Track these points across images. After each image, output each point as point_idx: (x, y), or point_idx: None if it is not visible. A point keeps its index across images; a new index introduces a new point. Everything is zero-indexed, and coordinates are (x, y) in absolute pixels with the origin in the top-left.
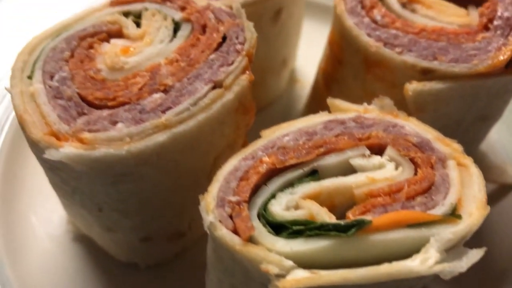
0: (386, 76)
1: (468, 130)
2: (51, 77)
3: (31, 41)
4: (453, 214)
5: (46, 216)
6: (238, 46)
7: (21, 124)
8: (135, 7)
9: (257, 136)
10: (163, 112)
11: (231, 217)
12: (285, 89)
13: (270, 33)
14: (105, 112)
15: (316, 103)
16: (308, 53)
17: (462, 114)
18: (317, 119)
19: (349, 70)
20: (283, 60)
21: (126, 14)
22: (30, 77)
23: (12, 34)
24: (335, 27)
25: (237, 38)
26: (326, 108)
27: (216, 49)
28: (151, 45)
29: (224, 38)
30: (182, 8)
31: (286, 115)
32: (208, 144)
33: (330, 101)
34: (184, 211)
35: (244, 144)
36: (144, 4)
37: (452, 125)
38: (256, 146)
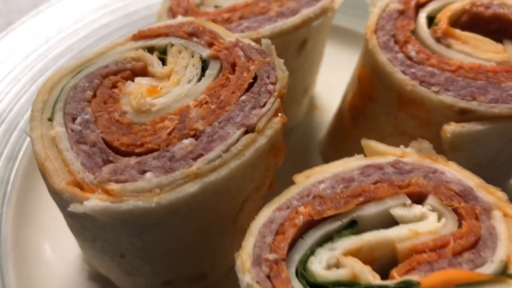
0: (421, 115)
1: (501, 167)
2: (73, 120)
3: (50, 78)
4: (504, 273)
5: (61, 252)
6: (270, 87)
7: (43, 172)
8: (159, 42)
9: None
10: (194, 159)
11: (269, 277)
12: (304, 116)
13: (294, 64)
14: (132, 160)
15: (341, 136)
16: (327, 78)
17: (497, 152)
18: (352, 164)
19: (380, 106)
20: (305, 88)
21: (150, 49)
22: (50, 119)
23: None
24: (365, 62)
25: (268, 77)
26: (352, 142)
27: (247, 90)
28: (178, 85)
29: (254, 78)
30: (210, 44)
31: (306, 144)
32: (237, 189)
33: (365, 142)
34: (208, 254)
35: (271, 185)
36: (169, 39)
37: (486, 163)
38: (290, 194)
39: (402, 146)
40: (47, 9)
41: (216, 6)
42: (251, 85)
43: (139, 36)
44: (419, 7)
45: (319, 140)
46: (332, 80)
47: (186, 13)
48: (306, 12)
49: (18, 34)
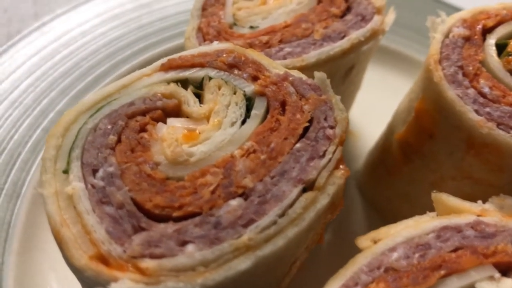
0: (494, 159)
1: None
2: (94, 173)
3: (64, 117)
4: None
5: None
6: (329, 131)
7: (58, 242)
8: (194, 74)
9: None
10: (244, 226)
11: None
12: None
13: (337, 91)
14: (169, 227)
15: (387, 171)
16: (362, 100)
17: None
18: (426, 225)
19: (443, 145)
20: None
21: (183, 82)
22: (66, 171)
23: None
24: (427, 95)
25: (326, 119)
26: (401, 180)
27: (302, 135)
28: (220, 129)
29: (309, 120)
30: (254, 78)
31: None
32: (290, 256)
33: (436, 196)
34: None
35: (320, 239)
36: (206, 70)
37: None
38: (357, 265)
39: (480, 202)
40: (52, 21)
41: (251, 27)
42: (305, 129)
43: (169, 66)
44: (486, 32)
45: (355, 170)
46: (368, 103)
47: (218, 35)
48: (355, 35)
49: (19, 49)
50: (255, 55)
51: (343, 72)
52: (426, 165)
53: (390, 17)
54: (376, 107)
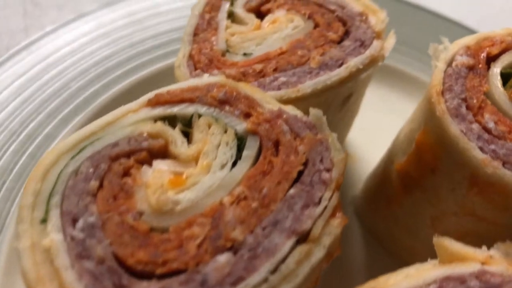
0: (498, 198)
1: None
2: (74, 223)
3: (44, 159)
4: None
5: None
6: (325, 175)
7: None
8: (183, 110)
9: None
10: (233, 285)
11: None
12: None
13: (333, 119)
14: (152, 286)
15: (385, 200)
16: (360, 121)
17: None
18: (428, 274)
19: (445, 181)
20: (341, 141)
21: (171, 119)
22: (44, 221)
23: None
24: (429, 128)
25: (321, 161)
26: (400, 211)
27: (296, 179)
28: (209, 173)
29: (305, 162)
30: (246, 115)
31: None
32: None
33: (438, 242)
34: None
35: (316, 282)
36: (195, 106)
37: None
38: None
39: (484, 248)
40: (40, 39)
41: (245, 54)
42: (300, 171)
43: (157, 101)
44: (491, 60)
45: (353, 195)
46: (367, 123)
47: (210, 63)
48: (353, 62)
49: (6, 69)
50: (247, 89)
51: (341, 100)
52: (427, 199)
53: (390, 41)
54: (375, 128)
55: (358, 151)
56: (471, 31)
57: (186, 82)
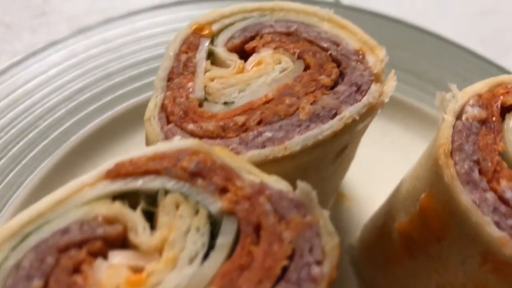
0: None
1: None
2: None
3: None
4: None
5: None
6: (315, 270)
7: None
8: (147, 185)
9: None
10: None
11: None
12: (329, 208)
13: (327, 173)
14: None
15: (385, 258)
16: (358, 158)
17: None
18: None
19: (454, 253)
20: (335, 189)
21: (132, 196)
22: None
23: None
24: (435, 192)
25: (311, 251)
26: (402, 271)
27: (280, 276)
28: (175, 269)
29: (291, 254)
30: (222, 190)
31: None
32: None
33: None
34: None
35: None
36: (162, 180)
37: None
38: None
39: None
40: (5, 72)
41: (226, 103)
42: (286, 267)
43: (117, 173)
44: (505, 111)
45: (349, 242)
46: (366, 160)
47: (185, 115)
48: (349, 112)
49: None
50: (224, 155)
51: (334, 154)
52: (432, 266)
53: (390, 85)
54: (375, 165)
55: (355, 191)
56: (475, 55)
57: (152, 148)
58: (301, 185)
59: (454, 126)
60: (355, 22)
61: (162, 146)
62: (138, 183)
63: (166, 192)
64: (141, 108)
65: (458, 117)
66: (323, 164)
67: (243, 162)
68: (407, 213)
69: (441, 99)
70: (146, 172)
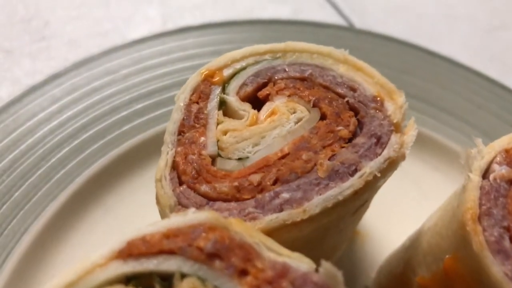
0: None
1: None
2: None
3: None
4: None
5: None
6: None
7: None
8: (162, 266)
9: None
10: None
11: None
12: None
13: (346, 223)
14: None
15: None
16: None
17: None
18: None
19: None
20: (352, 233)
21: (146, 276)
22: None
23: None
24: (461, 257)
25: None
26: None
27: None
28: None
29: None
30: (242, 273)
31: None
32: None
33: None
34: None
35: None
36: (177, 261)
37: None
38: None
39: None
40: (3, 111)
41: (240, 159)
42: None
43: (129, 253)
44: None
45: (364, 283)
46: (380, 196)
47: (198, 175)
48: (369, 168)
49: None
50: (242, 230)
51: (354, 210)
52: None
53: (411, 135)
54: (390, 202)
55: (371, 228)
56: (489, 80)
57: (165, 222)
58: (326, 265)
59: (481, 187)
60: (366, 46)
61: (176, 221)
62: (153, 264)
63: (183, 275)
64: (148, 143)
65: (484, 175)
66: (342, 220)
67: (263, 237)
68: (429, 270)
69: (467, 156)
70: (160, 252)
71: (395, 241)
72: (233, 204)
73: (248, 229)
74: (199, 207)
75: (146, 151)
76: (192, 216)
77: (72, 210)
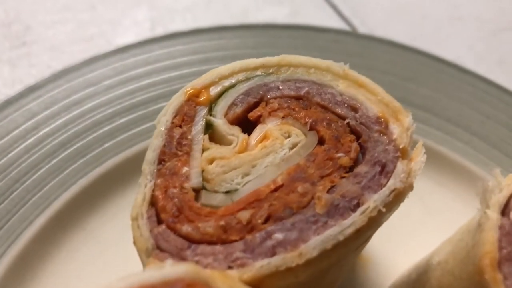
0: None
1: None
2: None
3: None
4: None
5: None
6: None
7: None
8: None
9: None
10: None
11: None
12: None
13: (347, 261)
14: None
15: None
16: None
17: None
18: None
19: None
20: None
21: None
22: None
23: None
24: None
25: None
26: None
27: None
28: None
29: None
30: None
31: None
32: None
33: None
34: None
35: None
36: None
37: None
38: None
39: None
40: None
41: (227, 192)
42: None
43: None
44: None
45: None
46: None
47: (179, 213)
48: (373, 203)
49: None
50: (226, 284)
51: (355, 248)
52: None
53: (419, 160)
54: (392, 220)
55: (373, 251)
56: (499, 87)
57: (138, 276)
58: None
59: (500, 227)
60: (368, 51)
61: (151, 275)
62: None
63: None
64: (132, 161)
65: (503, 212)
66: (344, 259)
67: None
68: None
69: (484, 190)
70: None
71: (399, 266)
72: (218, 247)
73: (233, 285)
74: (179, 251)
75: (130, 170)
76: (169, 270)
77: (49, 236)
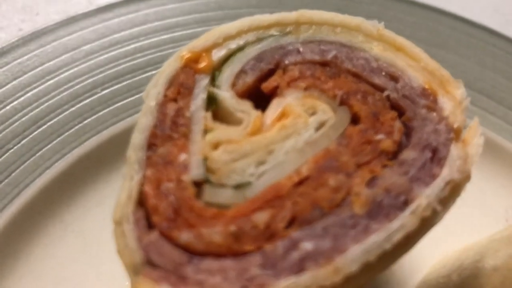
0: None
1: None
2: None
3: None
4: None
5: None
6: None
7: None
8: None
9: None
10: None
11: None
12: None
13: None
14: None
15: None
16: None
17: None
18: None
19: None
20: None
21: None
22: None
23: None
24: None
25: None
26: None
27: None
28: None
29: None
30: None
31: None
32: None
33: None
34: None
35: None
36: None
37: None
38: None
39: None
40: None
41: (238, 186)
42: None
43: None
44: None
45: None
46: None
47: (176, 216)
48: (425, 199)
49: None
50: None
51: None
52: None
53: (476, 143)
54: None
55: None
56: None
57: None
58: None
59: None
60: (389, 12)
61: None
62: None
63: None
64: (117, 140)
65: None
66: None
67: None
68: None
69: None
70: None
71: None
72: (229, 262)
73: None
74: (177, 268)
75: (115, 151)
76: None
77: (20, 230)
